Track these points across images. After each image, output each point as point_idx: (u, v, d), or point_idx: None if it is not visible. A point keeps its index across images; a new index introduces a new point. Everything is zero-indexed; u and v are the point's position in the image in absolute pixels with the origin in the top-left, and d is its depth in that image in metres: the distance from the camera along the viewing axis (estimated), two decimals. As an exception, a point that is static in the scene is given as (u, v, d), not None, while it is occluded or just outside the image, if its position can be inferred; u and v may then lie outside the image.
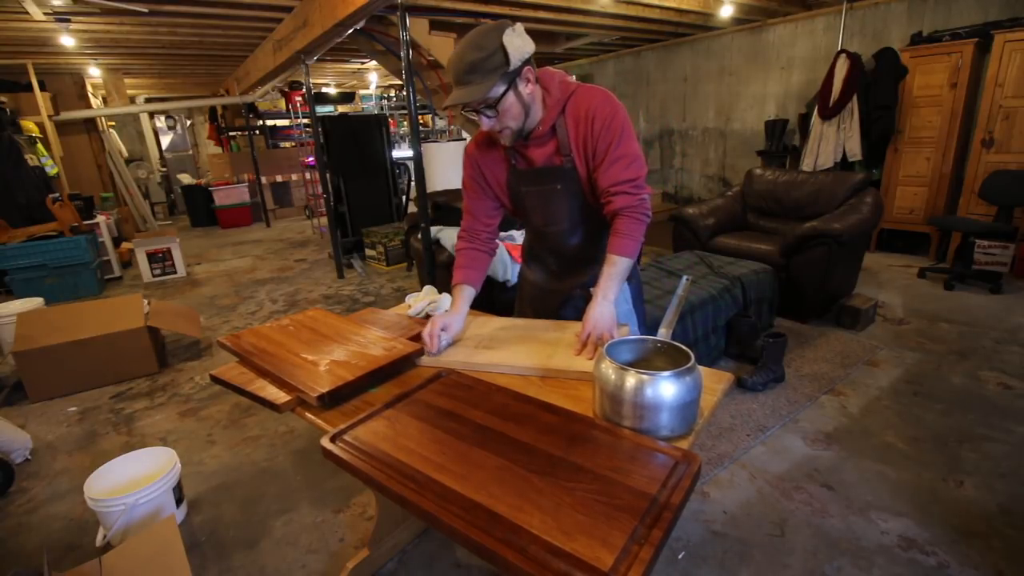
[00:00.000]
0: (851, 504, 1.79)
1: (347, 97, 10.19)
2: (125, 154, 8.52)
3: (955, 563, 1.54)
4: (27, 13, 3.75)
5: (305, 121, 7.81)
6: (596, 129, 1.26)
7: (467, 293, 1.45)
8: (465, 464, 0.92)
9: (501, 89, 1.19)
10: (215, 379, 1.36)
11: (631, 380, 0.98)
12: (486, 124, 1.26)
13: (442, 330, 1.37)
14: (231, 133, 9.30)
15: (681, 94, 6.54)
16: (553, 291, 1.59)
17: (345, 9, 3.46)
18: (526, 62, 1.20)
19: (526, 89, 1.23)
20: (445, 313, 1.43)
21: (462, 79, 1.17)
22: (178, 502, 1.84)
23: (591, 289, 1.36)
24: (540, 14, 4.62)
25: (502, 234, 3.57)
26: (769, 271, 3.07)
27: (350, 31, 4.03)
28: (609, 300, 1.26)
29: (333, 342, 1.45)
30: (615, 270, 1.28)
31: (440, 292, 1.89)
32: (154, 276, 5.26)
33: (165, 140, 10.18)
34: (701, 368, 1.06)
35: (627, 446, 0.95)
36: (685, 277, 1.35)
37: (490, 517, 0.79)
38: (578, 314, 1.50)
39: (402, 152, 7.93)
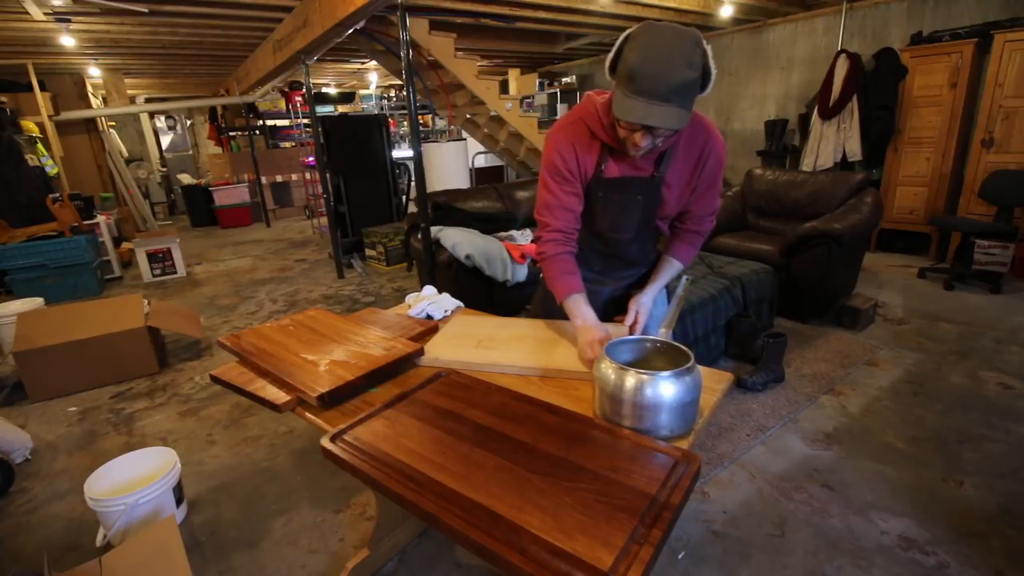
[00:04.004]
0: (851, 504, 1.79)
1: (347, 97, 10.18)
2: (125, 154, 8.52)
3: (955, 563, 1.54)
4: (27, 13, 3.75)
5: (305, 121, 7.80)
6: (711, 164, 1.31)
7: (584, 299, 1.34)
8: (465, 464, 0.92)
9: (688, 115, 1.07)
10: (215, 379, 1.36)
11: (631, 380, 0.98)
12: (646, 143, 1.12)
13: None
14: (231, 133, 9.30)
15: (681, 94, 6.54)
16: (593, 292, 1.49)
17: (345, 9, 3.46)
18: None
19: None
20: (591, 328, 1.27)
21: (665, 96, 1.01)
22: (178, 502, 1.84)
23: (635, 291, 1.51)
24: (540, 14, 4.62)
25: (501, 234, 3.58)
26: (769, 271, 3.07)
27: (350, 31, 4.03)
28: (657, 291, 1.40)
29: (333, 342, 1.45)
30: (672, 271, 1.42)
31: (440, 292, 1.89)
32: (154, 276, 5.26)
33: (165, 140, 10.18)
34: (701, 368, 1.06)
35: (627, 446, 0.95)
36: (685, 277, 1.36)
37: (490, 517, 0.79)
38: (622, 312, 1.47)
39: (402, 152, 7.94)
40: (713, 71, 1.04)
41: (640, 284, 1.53)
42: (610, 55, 1.09)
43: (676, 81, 1.01)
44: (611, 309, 1.54)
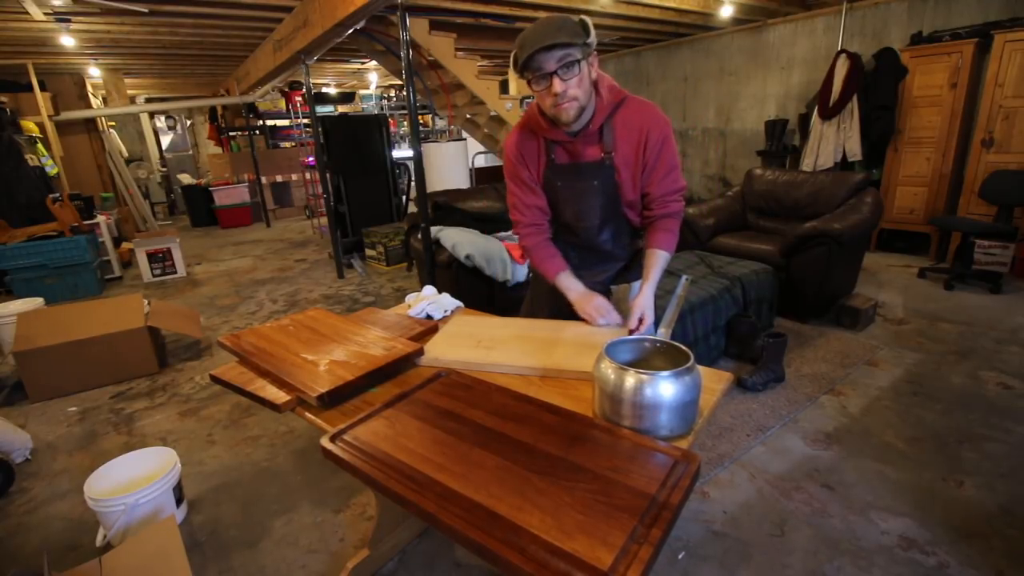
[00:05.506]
0: (851, 504, 1.79)
1: (347, 97, 10.19)
2: (125, 154, 8.52)
3: (955, 563, 1.54)
4: (27, 13, 3.75)
5: (305, 121, 7.80)
6: (652, 142, 1.36)
7: (571, 274, 1.51)
8: (465, 464, 0.92)
9: (580, 54, 1.21)
10: (215, 379, 1.36)
11: (630, 380, 0.98)
12: (559, 86, 1.22)
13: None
14: (231, 133, 9.29)
15: (681, 94, 6.54)
16: None
17: (345, 9, 3.46)
18: (594, 50, 1.26)
19: (592, 73, 1.29)
20: (590, 295, 1.46)
21: (551, 35, 1.18)
22: (178, 502, 1.84)
23: (613, 286, 1.59)
24: (540, 14, 4.62)
25: (501, 234, 3.58)
26: (769, 271, 3.07)
27: (350, 31, 4.03)
28: (654, 288, 1.40)
29: (333, 342, 1.45)
30: (662, 262, 1.42)
31: (440, 292, 1.89)
32: (154, 276, 5.26)
33: (165, 140, 10.18)
34: (701, 368, 1.06)
35: (627, 446, 0.95)
36: (684, 277, 1.36)
37: (490, 517, 0.79)
38: None
39: (402, 152, 7.94)
40: (591, 28, 1.22)
41: (617, 279, 1.61)
42: (511, 61, 1.27)
43: (554, 27, 1.19)
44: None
